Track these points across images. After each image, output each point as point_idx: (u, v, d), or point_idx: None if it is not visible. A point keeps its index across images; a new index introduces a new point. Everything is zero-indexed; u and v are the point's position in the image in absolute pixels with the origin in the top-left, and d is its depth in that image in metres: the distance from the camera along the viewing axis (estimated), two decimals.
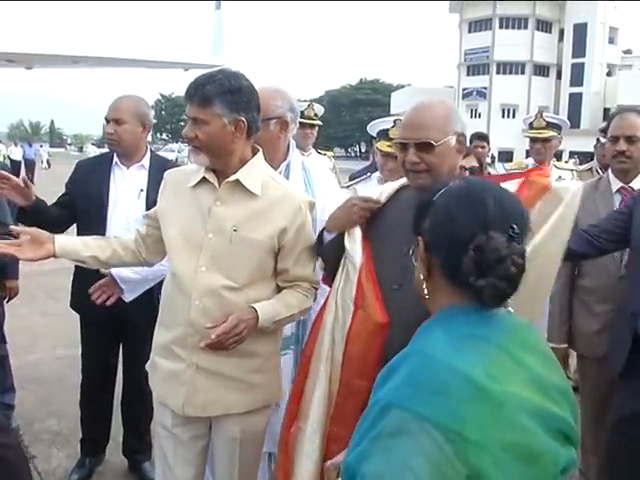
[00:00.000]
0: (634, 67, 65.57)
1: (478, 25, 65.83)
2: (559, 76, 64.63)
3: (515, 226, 1.26)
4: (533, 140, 4.76)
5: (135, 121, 3.43)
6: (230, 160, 2.25)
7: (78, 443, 3.76)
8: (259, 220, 2.26)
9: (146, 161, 3.51)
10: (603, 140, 5.05)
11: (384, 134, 3.43)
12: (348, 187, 3.61)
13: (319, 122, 5.20)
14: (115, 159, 3.47)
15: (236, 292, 2.26)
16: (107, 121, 3.39)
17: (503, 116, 61.80)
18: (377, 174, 3.61)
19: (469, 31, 66.57)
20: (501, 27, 63.80)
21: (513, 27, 63.88)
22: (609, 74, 64.05)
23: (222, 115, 2.15)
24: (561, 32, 64.38)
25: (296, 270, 2.35)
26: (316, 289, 2.44)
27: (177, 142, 67.00)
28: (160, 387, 2.40)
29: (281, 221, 2.26)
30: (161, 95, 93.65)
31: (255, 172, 2.28)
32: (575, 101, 60.09)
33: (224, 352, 2.21)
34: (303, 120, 5.30)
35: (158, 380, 2.40)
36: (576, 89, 61.58)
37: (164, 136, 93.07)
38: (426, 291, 1.38)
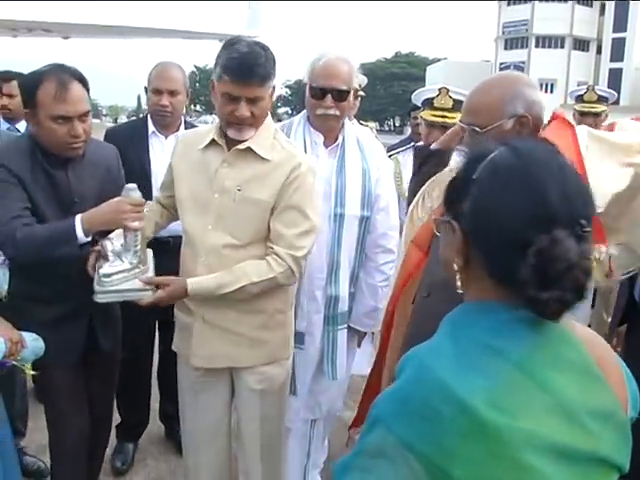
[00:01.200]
0: None
1: None
2: (599, 51, 63.28)
3: (584, 222, 1.01)
4: (584, 114, 4.59)
5: (184, 91, 3.39)
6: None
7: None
8: (263, 181, 2.30)
9: (182, 130, 3.43)
10: None
11: (428, 103, 3.36)
12: (390, 157, 3.52)
13: (362, 93, 5.12)
14: (152, 128, 3.39)
15: (238, 250, 2.32)
16: (157, 92, 3.30)
17: (541, 91, 60.60)
18: (420, 144, 3.52)
19: (508, 4, 65.28)
20: (541, 0, 62.43)
21: (553, 0, 62.48)
22: None
23: (270, 86, 2.24)
24: (602, 6, 62.90)
25: (276, 226, 2.31)
26: (295, 258, 2.32)
27: (211, 114, 67.15)
28: (176, 337, 2.55)
29: (281, 179, 2.30)
30: (195, 67, 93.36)
31: (264, 136, 2.33)
32: (615, 77, 58.77)
33: (229, 306, 2.32)
34: None
35: (176, 331, 2.55)
36: (616, 64, 60.26)
37: (197, 108, 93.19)
38: (459, 283, 1.13)
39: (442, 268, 1.21)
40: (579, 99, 4.59)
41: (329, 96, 2.65)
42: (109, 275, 2.19)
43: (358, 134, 2.90)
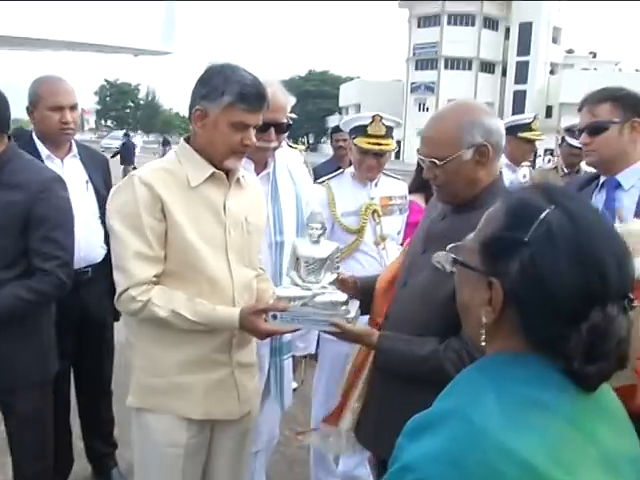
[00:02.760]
0: (576, 66, 67.36)
1: (427, 21, 66.41)
2: (504, 73, 65.89)
3: (631, 295, 0.99)
4: (531, 141, 4.67)
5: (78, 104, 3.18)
6: None
7: None
8: (254, 207, 2.32)
9: (75, 150, 3.22)
10: (569, 140, 5.05)
11: (362, 130, 3.31)
12: (322, 183, 3.48)
13: (293, 115, 5.13)
14: (46, 152, 3.09)
15: (255, 278, 2.34)
16: (58, 109, 3.05)
17: None
18: (350, 169, 3.50)
19: (418, 26, 67.09)
20: (449, 23, 64.56)
21: (461, 24, 64.75)
22: (552, 72, 65.73)
23: None
24: (507, 30, 65.57)
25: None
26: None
27: (122, 129, 65.86)
28: (203, 404, 2.20)
29: (261, 201, 2.42)
30: (106, 81, 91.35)
31: None
32: (519, 98, 61.33)
33: (248, 340, 2.26)
34: None
35: (197, 398, 2.19)
36: (520, 86, 62.94)
37: (109, 123, 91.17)
38: (484, 337, 1.08)
39: (461, 314, 1.16)
40: (526, 127, 4.60)
41: (272, 130, 2.58)
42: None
43: (285, 157, 2.88)
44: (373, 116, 3.30)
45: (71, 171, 3.11)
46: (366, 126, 3.29)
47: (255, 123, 2.11)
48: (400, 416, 1.96)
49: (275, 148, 2.67)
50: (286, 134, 2.71)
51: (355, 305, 2.19)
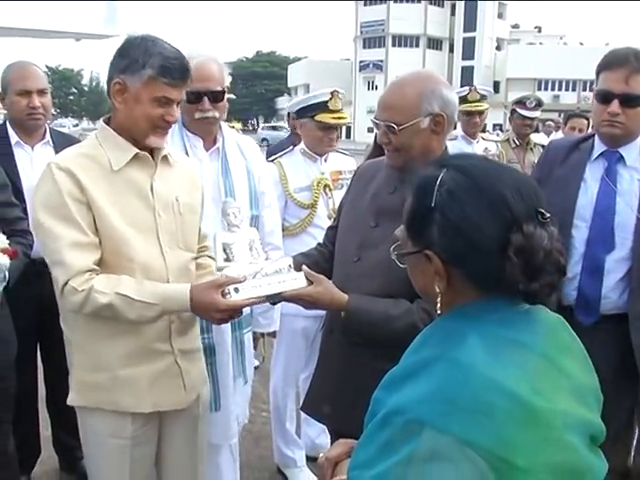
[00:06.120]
0: (521, 41, 68.28)
1: None
2: (452, 50, 66.31)
3: (542, 210, 1.11)
4: (470, 114, 4.75)
5: (49, 91, 3.16)
6: None
7: None
8: (185, 185, 2.23)
9: (48, 137, 3.20)
10: (521, 111, 5.19)
11: (322, 107, 3.39)
12: (273, 161, 3.52)
13: (233, 95, 5.18)
14: (16, 138, 3.08)
15: (193, 262, 2.27)
16: (26, 93, 3.03)
17: None
18: (301, 146, 3.54)
19: (365, 4, 66.91)
20: (395, 1, 64.51)
21: (407, 1, 64.74)
22: (498, 48, 66.36)
23: None
24: (453, 7, 65.93)
25: (202, 228, 2.37)
26: None
27: (67, 117, 64.38)
28: (149, 396, 2.14)
29: (198, 182, 2.32)
30: (47, 67, 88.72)
31: None
32: (467, 74, 61.80)
33: (189, 326, 2.23)
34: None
35: (143, 391, 2.12)
36: (468, 62, 63.46)
37: (52, 111, 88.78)
38: (440, 305, 1.19)
39: (423, 296, 1.28)
40: (463, 100, 4.68)
41: (205, 99, 2.59)
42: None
43: (234, 133, 2.91)
44: (332, 92, 3.40)
45: (41, 159, 3.04)
46: (326, 102, 3.38)
47: (178, 98, 2.02)
48: (358, 392, 2.00)
49: (216, 118, 2.65)
50: (224, 104, 2.68)
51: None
